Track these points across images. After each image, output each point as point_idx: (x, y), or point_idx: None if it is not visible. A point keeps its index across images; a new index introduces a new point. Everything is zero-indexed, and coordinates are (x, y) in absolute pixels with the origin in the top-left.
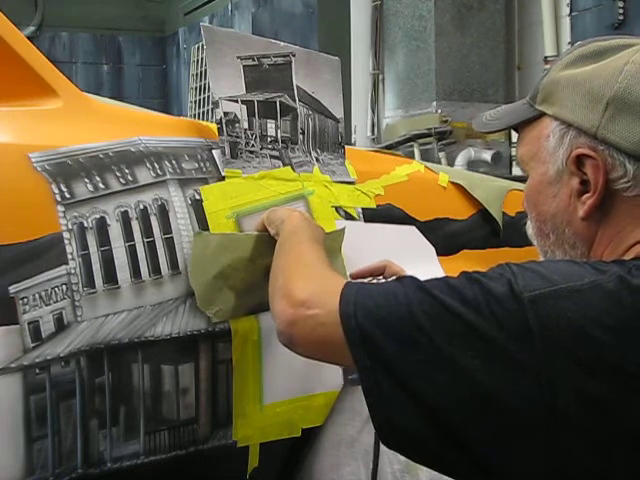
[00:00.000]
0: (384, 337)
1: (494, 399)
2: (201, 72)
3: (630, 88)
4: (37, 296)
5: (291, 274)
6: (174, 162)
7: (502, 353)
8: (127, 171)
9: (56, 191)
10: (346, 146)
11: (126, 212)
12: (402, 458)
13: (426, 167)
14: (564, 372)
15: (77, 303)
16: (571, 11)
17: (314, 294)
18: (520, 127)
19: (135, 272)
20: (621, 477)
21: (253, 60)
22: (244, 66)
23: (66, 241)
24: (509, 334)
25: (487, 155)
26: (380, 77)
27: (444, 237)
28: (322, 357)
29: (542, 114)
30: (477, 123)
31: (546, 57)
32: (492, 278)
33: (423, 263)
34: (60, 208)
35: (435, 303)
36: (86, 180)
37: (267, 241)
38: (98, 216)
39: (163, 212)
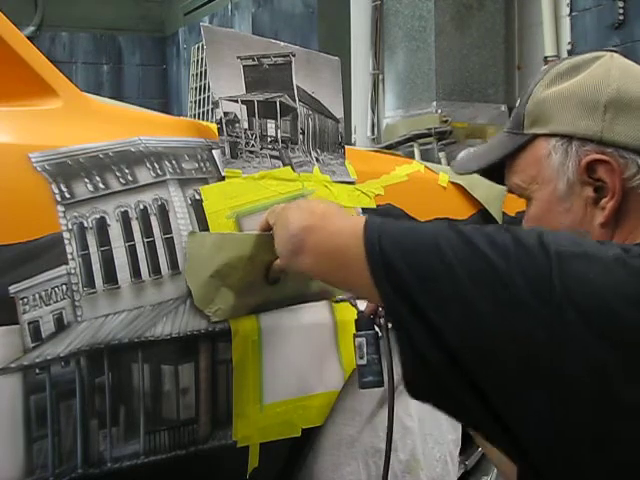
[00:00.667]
0: (406, 266)
1: (503, 346)
2: (201, 72)
3: (622, 88)
4: (37, 296)
5: (311, 201)
6: (174, 162)
7: (519, 301)
8: (127, 171)
9: (56, 191)
10: (346, 146)
11: (126, 212)
12: (403, 458)
13: (426, 167)
14: (576, 332)
15: (77, 303)
16: (571, 11)
17: (337, 211)
18: (507, 158)
19: (135, 272)
20: (627, 446)
21: (253, 60)
22: (244, 66)
23: (66, 241)
24: (530, 284)
25: None
26: (380, 77)
27: None
28: (328, 270)
29: (534, 137)
30: (456, 166)
31: (546, 57)
32: (522, 230)
33: None
34: (60, 208)
35: (463, 241)
36: (86, 180)
37: (265, 241)
38: (98, 216)
39: (163, 212)
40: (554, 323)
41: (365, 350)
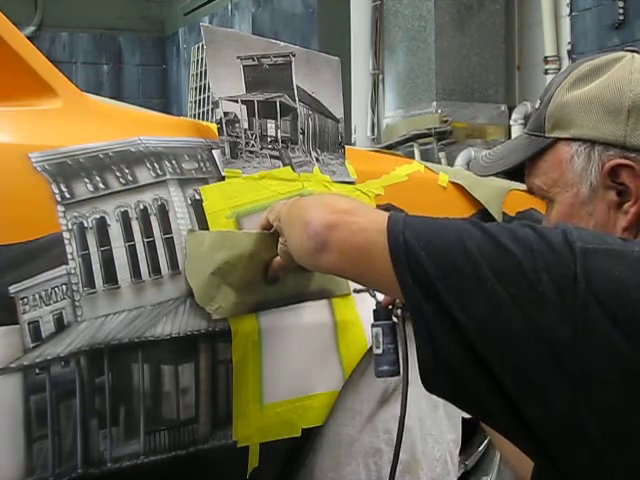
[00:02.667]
0: (429, 259)
1: (527, 343)
2: (201, 72)
3: None
4: (37, 296)
5: (327, 197)
6: (174, 162)
7: (544, 298)
8: (127, 171)
9: (56, 191)
10: (346, 146)
11: (126, 212)
12: (402, 457)
13: (426, 167)
14: (600, 329)
15: (77, 303)
16: (571, 11)
17: (359, 207)
18: (528, 160)
19: (135, 272)
20: None
21: (253, 60)
22: (244, 66)
23: (66, 241)
24: (555, 281)
25: None
26: (380, 77)
27: None
28: (352, 267)
29: (555, 141)
30: (477, 168)
31: (546, 57)
32: (547, 228)
33: None
34: (60, 208)
35: (486, 237)
36: (86, 180)
37: (265, 239)
38: (98, 216)
39: (163, 212)
40: (579, 320)
41: (381, 340)
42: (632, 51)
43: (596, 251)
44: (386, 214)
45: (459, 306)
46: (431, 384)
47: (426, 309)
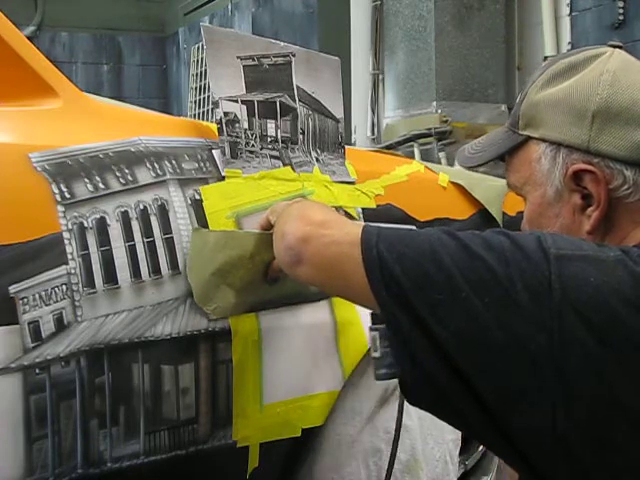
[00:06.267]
0: (403, 272)
1: (505, 353)
2: (201, 72)
3: (611, 97)
4: (37, 296)
5: (306, 208)
6: (174, 162)
7: (519, 306)
8: (127, 171)
9: (56, 191)
10: (346, 146)
11: (126, 212)
12: (402, 457)
13: (426, 167)
14: (576, 335)
15: (77, 303)
16: (571, 11)
17: (334, 219)
18: (506, 155)
19: (135, 272)
20: (622, 449)
21: (253, 60)
22: (244, 66)
23: (66, 241)
24: (529, 288)
25: None
26: (380, 77)
27: None
28: (327, 280)
29: (527, 139)
30: (461, 158)
31: (546, 57)
32: (521, 234)
33: None
34: (60, 208)
35: (459, 246)
36: (86, 180)
37: (266, 239)
38: (98, 216)
39: (163, 212)
40: (554, 327)
41: (379, 343)
42: (615, 46)
43: (571, 257)
44: (361, 226)
45: (434, 318)
46: (411, 396)
47: (402, 321)
